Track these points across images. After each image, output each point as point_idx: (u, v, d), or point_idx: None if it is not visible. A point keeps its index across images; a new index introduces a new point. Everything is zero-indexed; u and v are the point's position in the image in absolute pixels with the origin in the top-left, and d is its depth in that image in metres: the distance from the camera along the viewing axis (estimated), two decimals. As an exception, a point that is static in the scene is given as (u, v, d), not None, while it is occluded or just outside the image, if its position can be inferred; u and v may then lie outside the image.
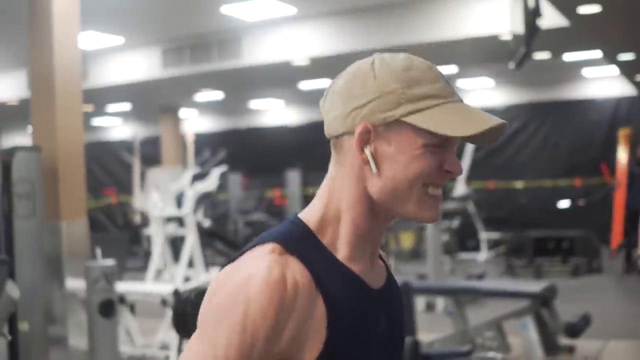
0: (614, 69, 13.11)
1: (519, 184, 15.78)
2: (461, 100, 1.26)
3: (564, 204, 15.28)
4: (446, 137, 1.21)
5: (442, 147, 1.23)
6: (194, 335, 1.18)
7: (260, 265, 1.16)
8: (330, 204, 1.28)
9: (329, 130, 1.29)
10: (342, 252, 1.27)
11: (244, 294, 1.14)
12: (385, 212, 1.28)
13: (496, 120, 1.23)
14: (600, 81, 15.41)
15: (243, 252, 1.23)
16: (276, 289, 1.14)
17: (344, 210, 1.27)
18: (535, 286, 6.61)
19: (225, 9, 9.59)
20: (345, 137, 1.25)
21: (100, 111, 17.89)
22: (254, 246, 1.22)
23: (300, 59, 10.87)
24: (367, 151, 1.23)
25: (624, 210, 12.38)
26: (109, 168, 21.20)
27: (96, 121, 20.30)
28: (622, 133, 13.13)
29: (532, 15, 6.51)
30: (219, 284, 1.19)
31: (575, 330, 6.04)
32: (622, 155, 12.77)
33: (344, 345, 1.22)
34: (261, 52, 10.87)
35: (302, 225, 1.27)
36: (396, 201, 1.24)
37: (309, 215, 1.29)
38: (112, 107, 17.57)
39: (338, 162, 1.28)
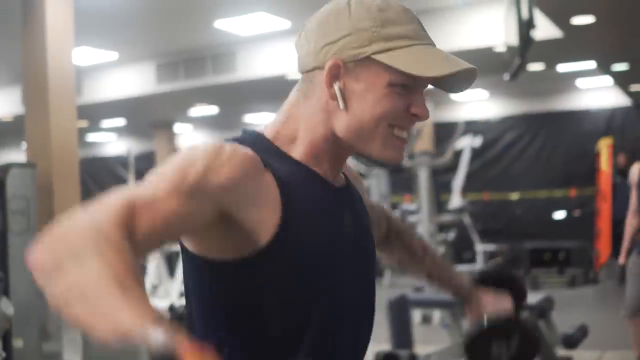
0: (607, 80, 13.14)
1: (514, 196, 15.77)
2: (433, 45, 1.28)
3: (559, 214, 15.28)
4: (415, 77, 1.22)
5: (410, 89, 1.24)
6: (154, 171, 1.19)
7: (217, 141, 1.19)
8: (287, 125, 1.29)
9: (301, 66, 1.31)
10: (297, 154, 1.29)
11: (195, 149, 1.17)
12: (347, 150, 1.29)
13: (466, 64, 1.24)
14: (594, 92, 15.44)
15: None
16: (225, 151, 1.16)
17: (301, 132, 1.28)
18: (532, 297, 6.57)
19: (219, 24, 9.59)
20: (316, 71, 1.26)
21: (94, 127, 17.86)
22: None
23: (294, 73, 10.83)
24: (336, 86, 1.23)
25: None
26: (104, 183, 21.14)
27: (90, 137, 20.27)
28: (604, 143, 13.12)
29: (526, 26, 6.50)
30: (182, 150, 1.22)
31: (572, 341, 6.00)
32: (604, 165, 12.73)
33: (305, 228, 1.21)
34: (255, 66, 10.86)
35: (257, 134, 1.30)
36: (361, 139, 1.25)
37: (267, 128, 1.31)
38: (106, 123, 17.55)
39: (304, 93, 1.29)
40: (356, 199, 1.40)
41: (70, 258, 0.96)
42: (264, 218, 1.17)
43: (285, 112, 1.31)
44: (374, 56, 1.22)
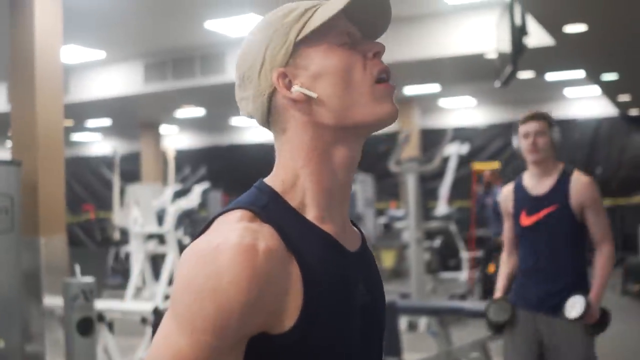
0: (595, 89, 13.19)
1: (500, 204, 15.77)
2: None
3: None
4: (343, 28, 1.22)
5: (353, 44, 1.22)
6: (167, 315, 1.09)
7: (230, 234, 1.08)
8: (287, 169, 1.23)
9: (260, 114, 1.25)
10: (311, 213, 1.21)
11: (213, 266, 1.05)
12: (348, 139, 1.23)
13: None
14: (581, 101, 15.51)
15: (211, 222, 1.16)
16: (248, 258, 1.06)
17: (301, 169, 1.22)
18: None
19: (209, 24, 9.54)
20: (273, 100, 1.23)
21: (79, 126, 17.77)
22: (221, 215, 1.16)
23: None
24: (296, 87, 1.20)
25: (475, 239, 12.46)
26: (88, 184, 21.06)
27: (75, 136, 20.17)
28: (476, 167, 13.13)
29: (518, 33, 6.49)
30: (188, 257, 1.10)
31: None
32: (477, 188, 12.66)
33: (323, 309, 1.14)
34: (244, 68, 10.81)
35: (268, 189, 1.22)
36: (350, 111, 1.20)
37: (273, 180, 1.24)
38: (92, 123, 17.46)
39: (280, 132, 1.25)
40: (371, 263, 1.35)
41: None
42: (285, 308, 1.11)
43: (279, 159, 1.26)
44: (299, 38, 1.21)
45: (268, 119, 1.25)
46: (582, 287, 3.83)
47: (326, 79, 1.20)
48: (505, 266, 4.13)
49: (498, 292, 4.07)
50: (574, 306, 3.72)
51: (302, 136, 1.22)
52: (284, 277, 1.11)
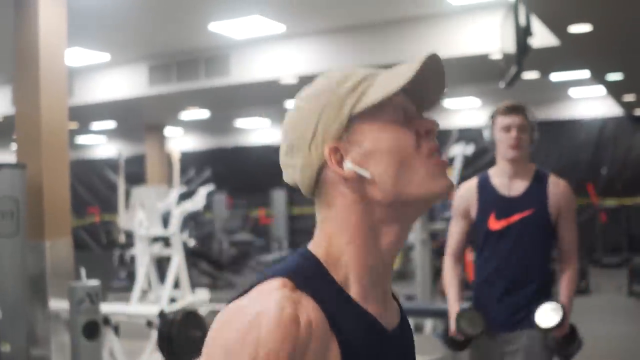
0: (600, 89, 13.16)
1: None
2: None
3: (550, 224, 15.23)
4: (400, 105, 1.19)
5: (407, 121, 1.19)
6: None
7: (271, 303, 1.06)
8: (331, 242, 1.19)
9: (306, 187, 1.22)
10: (354, 290, 1.18)
11: (254, 334, 1.03)
12: (399, 217, 1.19)
13: (427, 54, 1.17)
14: (586, 101, 15.47)
15: (252, 286, 1.13)
16: (288, 329, 1.04)
17: (346, 245, 1.18)
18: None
19: (213, 26, 9.53)
20: (322, 175, 1.19)
21: (84, 129, 17.78)
22: (263, 279, 1.13)
23: (288, 77, 10.81)
24: (348, 164, 1.16)
25: None
26: (93, 187, 21.07)
27: (80, 139, 20.18)
28: None
29: (523, 34, 6.47)
30: (226, 320, 1.08)
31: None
32: None
33: None
34: (249, 70, 10.81)
35: (313, 259, 1.18)
36: (405, 188, 1.16)
37: (317, 249, 1.20)
38: (96, 125, 17.46)
39: (326, 206, 1.20)
40: (408, 342, 1.33)
41: None
42: None
43: (321, 233, 1.22)
44: (354, 112, 1.16)
45: (314, 190, 1.22)
46: (547, 300, 3.41)
47: (379, 157, 1.16)
48: (453, 276, 3.56)
49: (455, 306, 3.46)
50: (548, 314, 3.31)
51: (350, 213, 1.18)
52: (322, 353, 1.08)
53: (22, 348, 5.62)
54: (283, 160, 1.24)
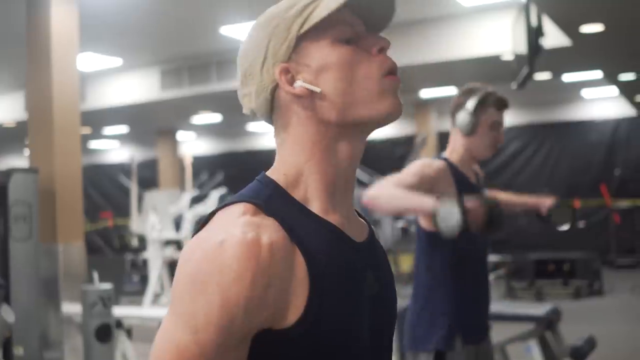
0: (613, 90, 13.10)
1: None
2: None
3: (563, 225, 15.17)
4: (345, 21, 1.20)
5: (356, 39, 1.21)
6: (168, 313, 1.07)
7: (232, 229, 1.06)
8: (289, 163, 1.22)
9: (263, 111, 1.25)
10: (315, 206, 1.20)
11: (217, 262, 1.04)
12: (351, 134, 1.22)
13: None
14: (599, 102, 15.40)
15: (212, 215, 1.15)
16: (251, 252, 1.04)
17: (304, 163, 1.21)
18: (539, 309, 6.51)
19: (224, 30, 9.55)
20: (275, 94, 1.22)
21: (97, 134, 17.84)
22: (223, 207, 1.14)
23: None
24: (299, 82, 1.18)
25: None
26: (105, 191, 21.13)
27: (93, 144, 20.25)
28: None
29: (534, 34, 6.46)
30: (190, 251, 1.08)
31: (580, 353, 5.92)
32: None
33: (330, 301, 1.12)
34: (260, 73, 10.81)
35: (271, 182, 1.20)
36: (355, 106, 1.19)
37: (275, 173, 1.22)
38: (109, 130, 17.52)
39: (282, 127, 1.23)
40: (379, 253, 1.33)
41: None
42: (290, 302, 1.09)
43: (280, 155, 1.25)
44: (300, 32, 1.19)
45: (271, 115, 1.25)
46: None
47: (329, 74, 1.18)
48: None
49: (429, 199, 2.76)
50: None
51: (305, 132, 1.21)
52: (288, 271, 1.09)
53: (35, 351, 5.64)
54: (239, 90, 1.27)
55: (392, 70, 1.22)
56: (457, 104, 3.11)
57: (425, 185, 2.90)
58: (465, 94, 3.10)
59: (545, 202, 3.48)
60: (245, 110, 1.29)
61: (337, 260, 1.17)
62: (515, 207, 3.53)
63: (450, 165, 3.05)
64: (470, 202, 2.73)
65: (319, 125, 1.21)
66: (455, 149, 3.12)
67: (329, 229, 1.19)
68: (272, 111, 1.24)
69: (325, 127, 1.21)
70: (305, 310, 1.10)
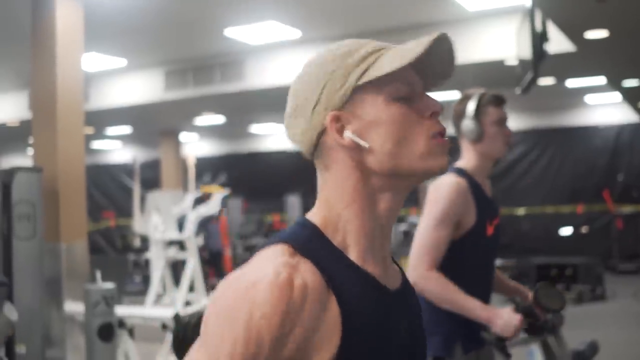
0: (616, 96, 13.09)
1: (521, 211, 15.71)
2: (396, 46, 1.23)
3: (566, 230, 15.21)
4: (406, 79, 1.20)
5: (412, 99, 1.21)
6: (197, 342, 1.11)
7: (268, 269, 1.09)
8: (329, 207, 1.22)
9: (306, 149, 1.25)
10: (352, 253, 1.20)
11: (248, 298, 1.06)
12: (394, 186, 1.22)
13: (436, 33, 1.19)
14: (602, 108, 15.40)
15: (254, 254, 1.17)
16: (283, 293, 1.06)
17: (343, 209, 1.21)
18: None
19: (229, 32, 9.56)
20: (322, 142, 1.22)
21: (100, 134, 17.85)
22: (264, 247, 1.16)
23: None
24: (348, 133, 1.19)
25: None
26: (108, 191, 21.14)
27: (95, 144, 20.27)
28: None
29: (539, 39, 6.45)
30: (225, 287, 1.11)
31: (583, 358, 5.92)
32: None
33: (362, 348, 1.14)
34: (264, 75, 10.83)
35: (311, 226, 1.21)
36: (400, 159, 1.19)
37: (315, 216, 1.23)
38: (112, 130, 17.53)
39: (324, 169, 1.24)
40: (411, 299, 1.34)
41: None
42: (321, 348, 1.11)
43: (321, 198, 1.25)
44: (358, 83, 1.19)
45: (314, 152, 1.25)
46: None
47: (380, 131, 1.19)
48: (450, 283, 2.84)
49: (481, 305, 2.82)
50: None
51: (347, 177, 1.22)
52: (319, 315, 1.10)
53: (37, 349, 5.64)
54: (287, 121, 1.27)
55: (441, 134, 1.22)
56: (457, 114, 3.08)
57: (453, 221, 2.89)
58: (462, 102, 3.07)
59: (527, 292, 3.27)
60: (289, 140, 1.29)
61: (372, 308, 1.18)
62: (502, 290, 3.34)
63: (470, 181, 2.98)
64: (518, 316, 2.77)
65: (363, 174, 1.21)
66: (470, 159, 3.06)
67: (365, 278, 1.20)
68: (315, 150, 1.24)
69: (368, 176, 1.21)
70: (337, 354, 1.11)
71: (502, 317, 2.76)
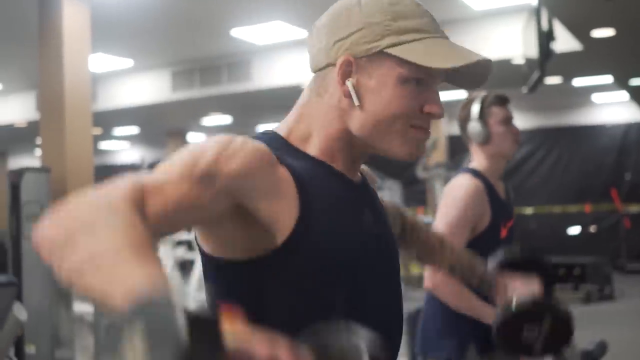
0: (623, 95, 13.07)
1: (528, 210, 15.68)
2: (446, 37, 1.24)
3: (574, 230, 15.18)
4: (428, 71, 1.20)
5: (424, 84, 1.22)
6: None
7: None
8: (300, 123, 1.27)
9: (312, 64, 1.28)
10: (314, 152, 1.26)
11: (228, 139, 1.13)
12: (362, 148, 1.27)
13: (480, 56, 1.20)
14: (609, 107, 15.37)
15: None
16: (257, 146, 1.14)
17: (314, 130, 1.26)
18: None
19: (235, 32, 9.58)
20: (329, 69, 1.24)
21: (107, 134, 17.89)
22: None
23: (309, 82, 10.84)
24: (349, 83, 1.21)
25: None
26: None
27: (103, 145, 20.30)
28: None
29: (545, 38, 6.45)
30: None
31: (592, 357, 5.91)
32: None
33: (323, 222, 1.17)
34: (271, 75, 10.84)
35: (271, 132, 1.27)
36: (377, 136, 1.23)
37: (277, 129, 1.28)
38: (119, 131, 17.57)
39: (316, 91, 1.27)
40: (374, 197, 1.38)
41: (82, 230, 0.92)
42: (280, 212, 1.13)
43: (297, 111, 1.29)
44: (386, 50, 1.19)
45: (315, 71, 1.28)
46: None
47: (376, 100, 1.20)
48: (465, 289, 2.76)
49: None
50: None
51: (328, 115, 1.25)
52: (273, 176, 1.15)
53: (46, 350, 5.67)
54: (314, 29, 1.29)
55: (423, 128, 1.24)
56: (463, 119, 3.04)
57: (471, 225, 2.85)
58: (466, 107, 3.05)
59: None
60: (307, 48, 1.32)
61: (330, 187, 1.22)
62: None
63: (485, 182, 2.93)
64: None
65: (342, 121, 1.24)
66: (481, 161, 3.02)
67: (322, 165, 1.25)
68: (319, 70, 1.27)
69: (345, 127, 1.25)
70: (297, 224, 1.14)
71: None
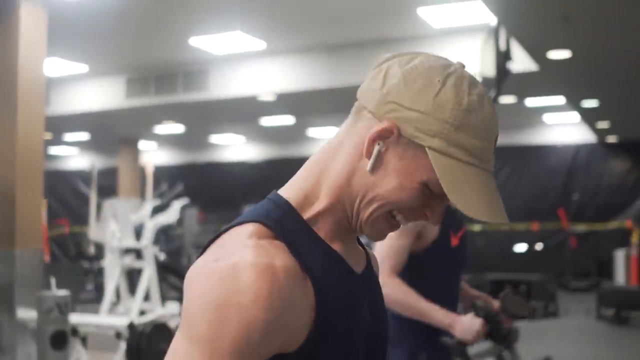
0: (574, 116, 13.29)
1: (476, 227, 15.82)
2: (489, 171, 1.17)
3: (520, 247, 15.38)
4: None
5: (429, 195, 1.16)
6: (180, 337, 1.05)
7: (243, 253, 1.04)
8: (318, 181, 1.20)
9: (361, 94, 1.20)
10: (323, 230, 1.19)
11: (235, 284, 1.01)
12: (344, 213, 1.21)
13: (499, 219, 1.14)
14: (560, 127, 15.63)
15: (218, 235, 1.13)
16: (267, 277, 1.02)
17: (326, 189, 1.19)
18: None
19: (193, 41, 9.50)
20: (370, 115, 1.16)
21: (57, 140, 17.63)
22: (230, 228, 1.12)
23: (266, 94, 10.81)
24: (377, 147, 1.14)
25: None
26: (63, 198, 20.87)
27: (52, 150, 20.02)
28: None
29: (503, 58, 6.53)
30: (199, 274, 1.06)
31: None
32: None
33: (332, 328, 1.12)
34: (227, 85, 10.79)
35: (282, 202, 1.18)
36: (358, 206, 1.18)
37: (291, 191, 1.20)
38: (69, 136, 17.33)
39: (351, 129, 1.20)
40: (375, 283, 1.34)
41: None
42: (298, 326, 1.09)
43: (312, 167, 1.23)
44: (428, 150, 1.12)
45: (355, 115, 1.21)
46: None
47: (387, 182, 1.15)
48: (409, 289, 2.86)
49: (438, 310, 2.86)
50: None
51: (348, 164, 1.19)
52: (300, 295, 1.08)
53: (-11, 357, 5.54)
54: (384, 66, 1.18)
55: (402, 222, 1.20)
56: None
57: (413, 232, 2.89)
58: None
59: (490, 298, 3.30)
60: (369, 76, 1.22)
61: (340, 290, 1.16)
62: (466, 298, 3.32)
63: None
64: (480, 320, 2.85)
65: (350, 180, 1.18)
66: None
67: (335, 259, 1.18)
68: (356, 116, 1.20)
69: (350, 183, 1.19)
70: (309, 336, 1.09)
71: (463, 322, 2.82)
